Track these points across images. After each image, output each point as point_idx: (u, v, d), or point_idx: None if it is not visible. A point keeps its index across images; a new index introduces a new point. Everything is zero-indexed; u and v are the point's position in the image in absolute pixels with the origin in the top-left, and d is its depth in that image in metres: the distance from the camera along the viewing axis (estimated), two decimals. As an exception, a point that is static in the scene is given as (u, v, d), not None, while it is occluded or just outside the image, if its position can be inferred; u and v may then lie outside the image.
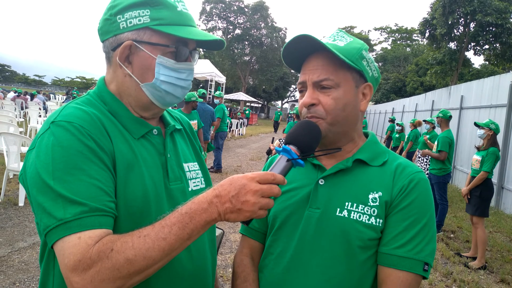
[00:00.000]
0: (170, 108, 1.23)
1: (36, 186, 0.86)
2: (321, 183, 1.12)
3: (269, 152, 7.71)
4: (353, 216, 1.04)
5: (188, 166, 1.18)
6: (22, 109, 18.13)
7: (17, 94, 21.05)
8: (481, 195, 5.06)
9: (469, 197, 5.21)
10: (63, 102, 25.61)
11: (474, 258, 5.17)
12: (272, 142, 7.62)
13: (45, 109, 17.84)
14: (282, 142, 6.34)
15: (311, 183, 1.14)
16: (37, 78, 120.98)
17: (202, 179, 1.22)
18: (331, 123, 1.08)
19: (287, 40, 1.09)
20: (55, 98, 32.22)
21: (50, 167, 0.86)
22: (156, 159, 1.07)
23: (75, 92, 24.83)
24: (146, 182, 1.00)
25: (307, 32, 1.14)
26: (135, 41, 1.01)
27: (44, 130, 0.93)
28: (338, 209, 1.06)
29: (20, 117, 16.15)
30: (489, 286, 4.48)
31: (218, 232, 1.36)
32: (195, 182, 1.18)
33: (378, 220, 1.04)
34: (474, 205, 5.11)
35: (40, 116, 13.63)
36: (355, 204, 1.05)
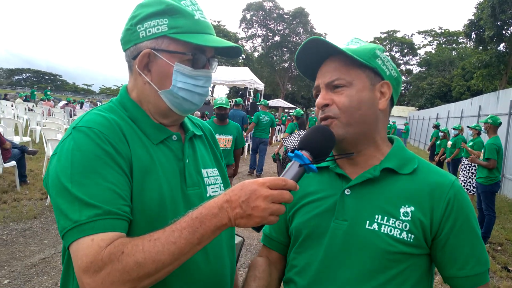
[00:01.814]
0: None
1: (56, 189, 0.90)
2: (347, 193, 1.07)
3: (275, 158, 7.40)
4: (384, 230, 1.00)
5: (207, 172, 1.18)
6: (70, 116, 19.11)
7: (66, 102, 22.32)
8: None
9: None
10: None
11: (524, 274, 4.82)
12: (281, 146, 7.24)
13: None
14: (284, 141, 6.19)
15: (336, 193, 1.09)
16: (85, 87, 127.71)
17: (222, 185, 1.22)
18: (346, 123, 1.05)
19: None
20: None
21: (68, 171, 0.89)
22: (174, 164, 1.08)
23: None
24: (163, 186, 1.01)
25: (339, 38, 1.13)
26: (153, 49, 1.03)
27: (66, 135, 0.98)
28: (368, 222, 1.02)
29: (68, 124, 17.02)
30: (541, 305, 4.16)
31: (238, 239, 1.35)
32: (213, 188, 1.18)
33: (409, 235, 0.99)
34: None
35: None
36: (385, 217, 1.01)
